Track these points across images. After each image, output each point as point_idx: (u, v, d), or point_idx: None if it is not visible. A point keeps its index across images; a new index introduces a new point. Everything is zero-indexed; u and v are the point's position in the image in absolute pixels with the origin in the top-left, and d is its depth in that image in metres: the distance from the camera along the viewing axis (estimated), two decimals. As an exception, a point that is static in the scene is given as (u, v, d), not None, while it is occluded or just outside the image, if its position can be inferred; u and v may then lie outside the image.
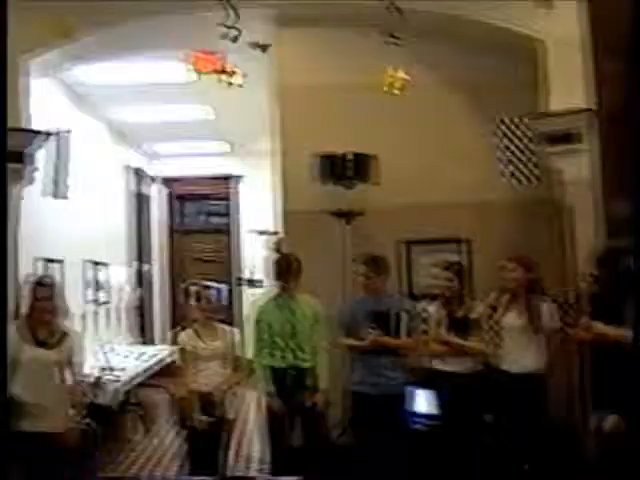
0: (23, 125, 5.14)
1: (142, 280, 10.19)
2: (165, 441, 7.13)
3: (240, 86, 5.72)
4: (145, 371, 7.30)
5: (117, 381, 6.26)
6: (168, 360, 8.00)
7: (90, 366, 6.66)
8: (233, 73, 4.90)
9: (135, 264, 10.16)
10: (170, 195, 11.73)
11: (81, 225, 7.81)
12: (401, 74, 4.55)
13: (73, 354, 4.27)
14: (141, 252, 10.65)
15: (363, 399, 4.91)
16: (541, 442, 4.74)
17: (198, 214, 12.64)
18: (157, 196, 11.67)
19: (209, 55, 6.87)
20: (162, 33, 6.27)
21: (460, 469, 4.76)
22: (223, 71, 5.26)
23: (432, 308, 5.04)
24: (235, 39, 4.25)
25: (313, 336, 4.91)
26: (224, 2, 4.28)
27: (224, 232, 11.83)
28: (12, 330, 4.09)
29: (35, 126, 5.25)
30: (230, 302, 11.23)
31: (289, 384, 4.84)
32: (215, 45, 6.11)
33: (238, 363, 4.79)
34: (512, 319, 4.88)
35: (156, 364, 7.71)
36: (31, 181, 5.08)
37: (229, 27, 4.29)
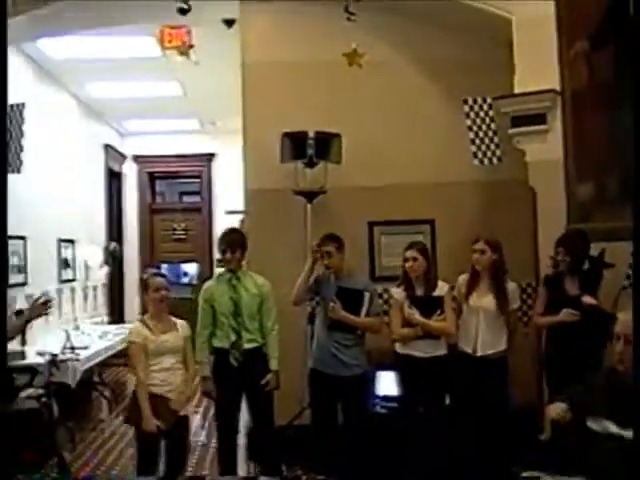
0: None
1: (113, 258, 10.05)
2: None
3: (196, 63, 5.59)
4: (107, 350, 7.19)
5: (76, 360, 6.16)
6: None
7: (53, 345, 6.61)
8: (190, 47, 4.76)
9: (105, 242, 10.03)
10: (142, 173, 11.56)
11: (50, 202, 7.70)
12: (359, 50, 4.44)
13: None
14: (111, 230, 10.54)
15: (321, 379, 4.80)
16: (503, 424, 4.70)
17: (170, 192, 12.53)
18: (129, 174, 11.52)
19: (175, 30, 6.76)
20: (129, 7, 6.13)
21: (421, 452, 4.71)
22: (183, 45, 5.14)
23: (393, 290, 4.94)
24: (183, 12, 4.13)
25: (261, 317, 4.75)
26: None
27: (196, 211, 11.70)
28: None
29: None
30: (202, 282, 11.19)
31: (235, 365, 4.65)
32: (182, 21, 6.02)
33: (189, 359, 4.43)
34: (477, 300, 4.82)
35: (120, 343, 7.58)
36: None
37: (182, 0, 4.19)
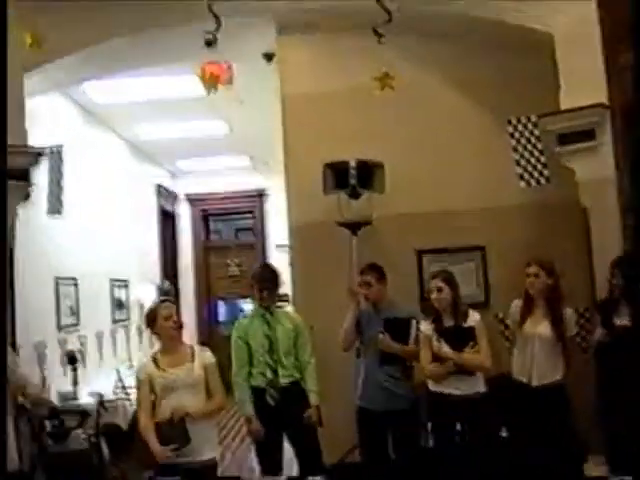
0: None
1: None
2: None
3: (241, 102, 5.55)
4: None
5: (127, 400, 6.12)
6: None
7: (105, 385, 6.60)
8: (217, 80, 4.71)
9: (159, 281, 10.06)
10: (195, 211, 11.63)
11: (101, 243, 7.78)
12: (395, 74, 4.33)
13: None
14: (166, 269, 10.60)
15: (370, 416, 4.66)
16: (565, 456, 4.42)
17: (224, 230, 12.58)
18: (182, 213, 11.63)
19: (216, 66, 6.79)
20: (165, 47, 6.18)
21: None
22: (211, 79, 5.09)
23: (422, 323, 4.67)
24: (209, 44, 4.08)
25: (297, 351, 4.65)
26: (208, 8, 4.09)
27: (250, 247, 11.68)
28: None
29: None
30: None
31: (272, 403, 4.53)
32: (225, 57, 6.04)
33: (214, 389, 4.01)
34: (532, 327, 4.59)
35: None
36: (27, 198, 4.94)
37: (210, 32, 4.13)
